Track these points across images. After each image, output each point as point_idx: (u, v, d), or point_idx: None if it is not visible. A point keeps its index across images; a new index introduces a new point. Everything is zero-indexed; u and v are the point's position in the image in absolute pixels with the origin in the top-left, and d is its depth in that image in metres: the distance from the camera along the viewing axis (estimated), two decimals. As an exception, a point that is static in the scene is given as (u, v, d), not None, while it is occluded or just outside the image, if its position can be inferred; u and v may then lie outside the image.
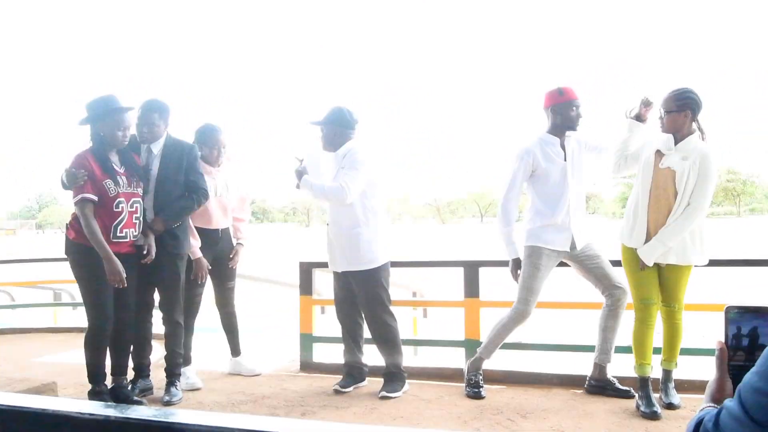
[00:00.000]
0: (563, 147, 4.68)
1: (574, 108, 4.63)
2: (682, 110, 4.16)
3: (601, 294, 4.69)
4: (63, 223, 4.79)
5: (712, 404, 1.29)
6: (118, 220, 4.42)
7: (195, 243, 5.12)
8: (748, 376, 1.13)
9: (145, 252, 4.60)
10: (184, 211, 4.83)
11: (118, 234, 4.43)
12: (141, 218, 4.59)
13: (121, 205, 4.42)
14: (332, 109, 4.93)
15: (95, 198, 4.34)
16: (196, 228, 5.15)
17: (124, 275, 4.34)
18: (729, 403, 1.16)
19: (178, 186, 4.79)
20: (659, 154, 4.25)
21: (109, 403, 1.05)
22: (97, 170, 4.37)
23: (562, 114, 4.63)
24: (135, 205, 4.52)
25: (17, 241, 67.42)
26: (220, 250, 5.40)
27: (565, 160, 4.66)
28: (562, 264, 4.81)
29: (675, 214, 4.17)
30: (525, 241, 4.73)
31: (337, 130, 4.87)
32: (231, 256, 5.48)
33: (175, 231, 4.80)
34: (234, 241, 5.52)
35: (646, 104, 4.41)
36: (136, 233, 4.55)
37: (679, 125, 4.18)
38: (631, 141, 4.46)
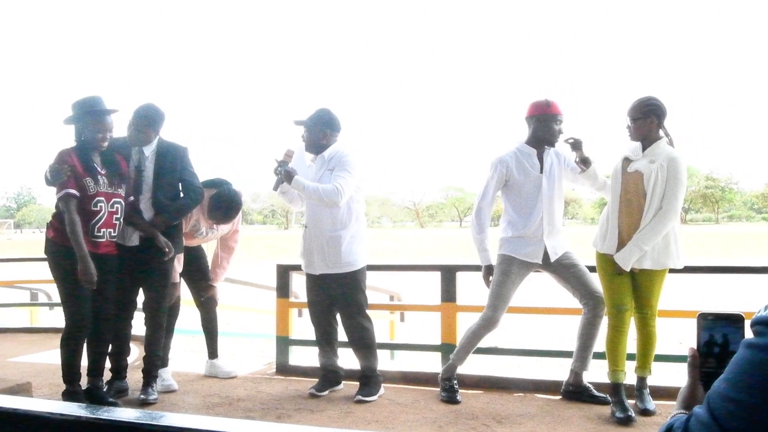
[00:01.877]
0: (540, 159, 4.70)
1: (558, 122, 4.65)
2: (647, 117, 4.24)
3: (580, 302, 4.70)
4: (42, 222, 4.77)
5: (683, 411, 1.30)
6: (96, 219, 4.42)
7: (178, 267, 5.09)
8: (717, 383, 1.14)
9: (167, 250, 4.66)
10: (184, 209, 4.86)
11: (96, 233, 4.43)
12: (121, 219, 4.58)
13: (99, 204, 4.42)
14: (318, 110, 4.92)
15: (78, 194, 4.36)
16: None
17: (95, 278, 4.33)
18: (698, 409, 1.17)
19: (173, 187, 4.83)
20: (627, 160, 4.33)
21: (81, 404, 1.05)
22: (79, 168, 4.39)
23: (545, 126, 4.63)
24: (116, 205, 4.53)
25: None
26: (195, 249, 5.44)
27: (541, 172, 4.68)
28: (537, 270, 4.83)
29: (646, 218, 4.21)
30: (498, 249, 4.76)
31: (323, 131, 4.86)
32: (204, 292, 5.49)
33: (170, 231, 4.82)
34: (209, 278, 5.51)
35: (575, 146, 4.53)
36: (115, 234, 4.55)
37: (646, 132, 4.25)
38: (595, 179, 4.60)
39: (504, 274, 4.68)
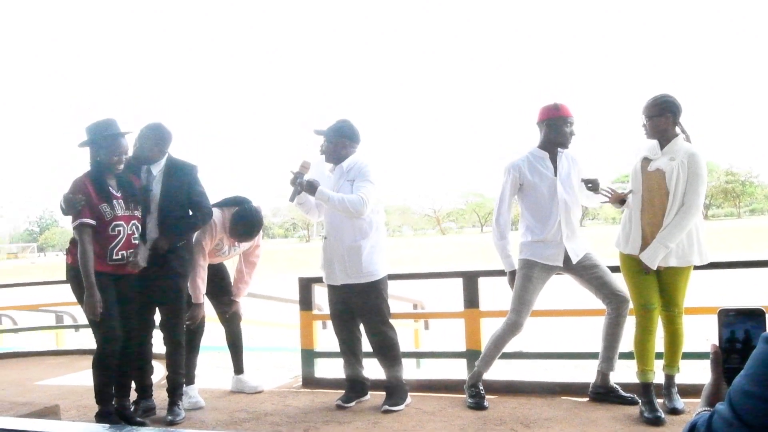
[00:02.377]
0: (554, 163, 4.70)
1: (568, 124, 4.66)
2: (662, 114, 4.24)
3: (603, 303, 4.69)
4: (64, 245, 4.82)
5: (708, 408, 1.29)
6: (114, 243, 4.46)
7: (202, 287, 5.12)
8: (738, 380, 1.14)
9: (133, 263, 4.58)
10: (189, 229, 4.89)
11: (114, 257, 4.47)
12: (139, 239, 4.61)
13: (117, 228, 4.46)
14: (338, 121, 4.94)
15: (93, 222, 4.40)
16: None
17: (99, 310, 4.36)
18: (720, 406, 1.16)
19: (181, 206, 4.84)
20: (647, 160, 4.32)
21: (111, 425, 1.06)
22: (94, 195, 4.43)
23: (556, 129, 4.65)
24: (133, 227, 4.57)
25: (19, 264, 67.43)
26: (219, 266, 5.46)
27: (555, 175, 4.68)
28: (560, 272, 4.82)
29: (669, 215, 4.21)
30: (519, 254, 4.77)
31: (343, 142, 4.88)
32: (228, 308, 5.50)
33: (181, 250, 4.84)
34: (232, 294, 5.52)
35: (594, 188, 4.54)
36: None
37: (662, 129, 4.26)
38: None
39: (526, 278, 4.68)
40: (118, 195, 4.52)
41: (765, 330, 1.26)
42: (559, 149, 4.71)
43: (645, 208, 4.31)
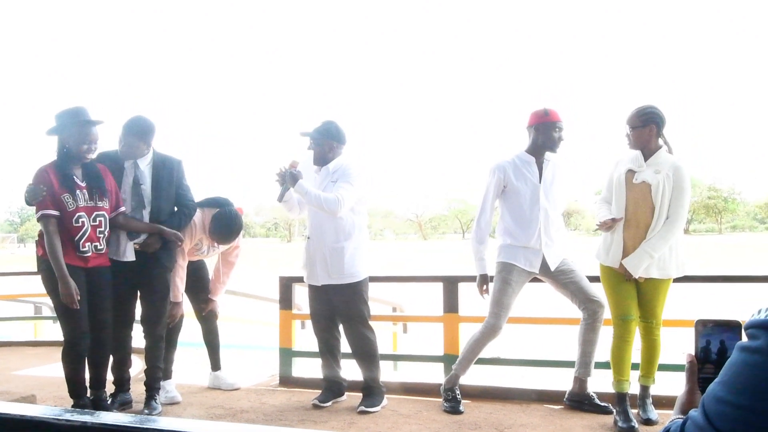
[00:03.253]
0: (540, 168, 4.74)
1: (557, 129, 4.68)
2: (646, 125, 4.27)
3: (578, 308, 4.73)
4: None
5: (681, 416, 1.31)
6: (79, 235, 4.41)
7: (180, 286, 5.13)
8: (712, 386, 1.15)
9: (178, 243, 4.81)
10: (182, 224, 4.91)
11: (81, 249, 4.42)
12: (106, 232, 4.57)
13: (81, 220, 4.41)
14: (324, 122, 4.95)
15: (57, 213, 4.34)
16: None
17: (75, 297, 4.33)
18: (694, 413, 1.18)
19: (171, 200, 4.86)
20: (631, 172, 4.34)
21: (86, 410, 1.07)
22: (56, 184, 4.36)
23: (545, 134, 4.67)
24: (98, 218, 4.50)
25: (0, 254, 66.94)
26: (198, 262, 5.46)
27: (540, 182, 4.71)
28: (537, 279, 4.85)
29: (654, 229, 4.24)
30: (497, 256, 4.79)
31: (329, 143, 4.88)
32: (204, 305, 5.51)
33: (170, 245, 4.85)
34: (208, 292, 5.53)
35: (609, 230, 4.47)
36: (101, 246, 4.54)
37: (645, 140, 4.29)
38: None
39: (504, 281, 4.71)
40: (83, 185, 4.45)
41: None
42: (545, 156, 4.73)
43: (629, 220, 4.33)
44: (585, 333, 4.68)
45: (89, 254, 4.47)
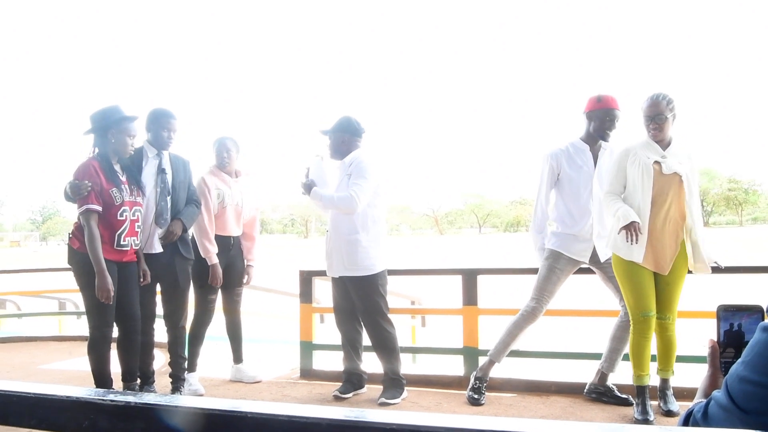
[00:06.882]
0: (595, 156, 4.67)
1: (609, 117, 4.57)
2: (672, 114, 4.20)
3: (618, 304, 4.64)
4: (66, 234, 4.82)
5: (704, 399, 1.34)
6: (121, 229, 4.48)
7: (212, 249, 5.23)
8: (734, 367, 1.18)
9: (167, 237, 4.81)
10: (195, 216, 5.00)
11: (121, 242, 4.49)
12: (142, 227, 4.66)
13: (125, 214, 4.48)
14: (340, 118, 4.99)
15: (100, 208, 4.39)
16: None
17: (113, 292, 4.38)
18: (717, 393, 1.21)
19: (185, 193, 4.97)
20: (657, 163, 4.20)
21: (129, 391, 1.12)
22: (103, 179, 4.42)
23: (597, 121, 4.59)
24: (137, 213, 4.59)
25: (22, 252, 67.54)
26: (232, 257, 5.49)
27: (594, 170, 4.64)
28: (582, 270, 4.80)
29: (693, 217, 4.20)
30: (547, 242, 4.73)
31: (344, 138, 4.92)
32: (244, 277, 5.60)
33: (185, 237, 4.95)
34: (245, 262, 5.61)
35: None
36: (138, 241, 4.62)
37: (669, 130, 4.23)
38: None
39: (550, 268, 4.66)
40: (124, 180, 4.55)
41: None
42: (602, 145, 4.66)
43: (658, 213, 4.19)
44: (618, 330, 4.62)
45: (128, 249, 4.54)
